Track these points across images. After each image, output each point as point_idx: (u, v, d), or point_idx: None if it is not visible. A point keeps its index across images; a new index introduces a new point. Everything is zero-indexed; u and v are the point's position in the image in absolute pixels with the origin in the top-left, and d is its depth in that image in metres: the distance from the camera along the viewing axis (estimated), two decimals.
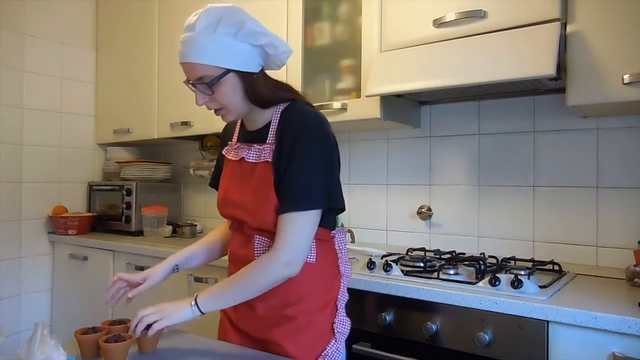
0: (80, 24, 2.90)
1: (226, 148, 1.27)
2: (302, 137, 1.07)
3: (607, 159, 1.65)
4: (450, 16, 1.57)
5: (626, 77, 1.31)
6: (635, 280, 1.40)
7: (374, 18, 1.79)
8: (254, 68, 1.10)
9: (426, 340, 1.36)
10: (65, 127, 2.82)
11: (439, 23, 1.60)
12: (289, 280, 1.08)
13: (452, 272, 1.49)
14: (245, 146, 1.18)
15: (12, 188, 2.56)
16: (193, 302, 1.05)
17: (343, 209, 1.14)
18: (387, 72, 1.67)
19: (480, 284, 1.37)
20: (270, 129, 1.14)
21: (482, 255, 1.76)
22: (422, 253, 1.82)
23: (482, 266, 1.48)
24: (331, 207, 1.10)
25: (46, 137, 2.73)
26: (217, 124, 2.33)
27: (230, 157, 1.22)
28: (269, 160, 1.10)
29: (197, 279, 1.97)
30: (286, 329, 1.10)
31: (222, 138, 1.33)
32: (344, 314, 1.18)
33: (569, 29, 1.42)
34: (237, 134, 1.26)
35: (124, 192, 2.65)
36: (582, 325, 1.13)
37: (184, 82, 1.13)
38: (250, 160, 1.15)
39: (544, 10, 1.42)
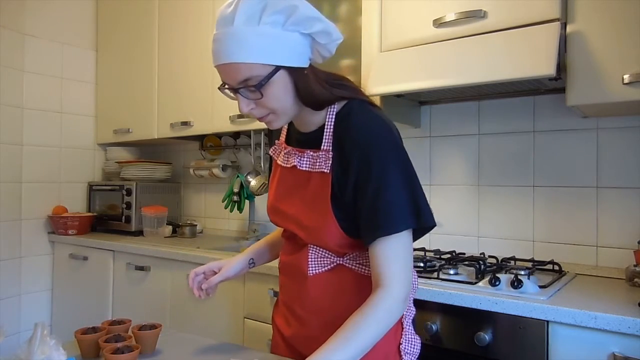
0: (80, 24, 2.90)
1: (274, 148, 1.12)
2: (373, 150, 0.90)
3: (607, 159, 1.65)
4: (450, 16, 1.57)
5: (626, 77, 1.31)
6: (635, 280, 1.40)
7: (374, 18, 1.79)
8: (305, 62, 0.92)
9: (426, 340, 1.36)
10: (65, 127, 2.83)
11: (439, 23, 1.60)
12: (346, 292, 0.97)
13: (452, 272, 1.50)
14: (297, 152, 1.02)
15: (12, 188, 2.56)
16: None
17: (433, 226, 0.94)
18: (387, 72, 1.67)
19: (480, 284, 1.37)
20: (325, 134, 0.97)
21: (482, 255, 1.76)
22: (422, 253, 1.82)
23: (482, 266, 1.49)
24: (421, 226, 0.92)
25: (46, 137, 2.73)
26: (216, 124, 2.33)
27: (279, 162, 1.07)
28: (326, 170, 0.95)
29: None
30: None
31: (269, 135, 1.18)
32: (412, 332, 1.03)
33: (569, 29, 1.42)
34: (284, 133, 1.10)
35: (124, 192, 2.65)
36: (582, 325, 1.14)
37: (219, 88, 0.95)
38: (304, 169, 0.99)
39: (544, 10, 1.42)
